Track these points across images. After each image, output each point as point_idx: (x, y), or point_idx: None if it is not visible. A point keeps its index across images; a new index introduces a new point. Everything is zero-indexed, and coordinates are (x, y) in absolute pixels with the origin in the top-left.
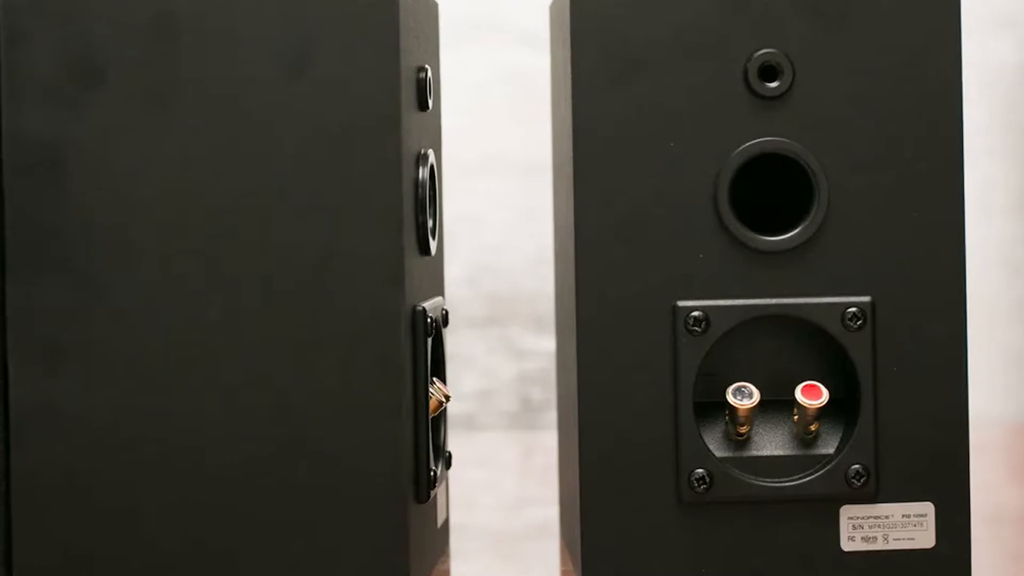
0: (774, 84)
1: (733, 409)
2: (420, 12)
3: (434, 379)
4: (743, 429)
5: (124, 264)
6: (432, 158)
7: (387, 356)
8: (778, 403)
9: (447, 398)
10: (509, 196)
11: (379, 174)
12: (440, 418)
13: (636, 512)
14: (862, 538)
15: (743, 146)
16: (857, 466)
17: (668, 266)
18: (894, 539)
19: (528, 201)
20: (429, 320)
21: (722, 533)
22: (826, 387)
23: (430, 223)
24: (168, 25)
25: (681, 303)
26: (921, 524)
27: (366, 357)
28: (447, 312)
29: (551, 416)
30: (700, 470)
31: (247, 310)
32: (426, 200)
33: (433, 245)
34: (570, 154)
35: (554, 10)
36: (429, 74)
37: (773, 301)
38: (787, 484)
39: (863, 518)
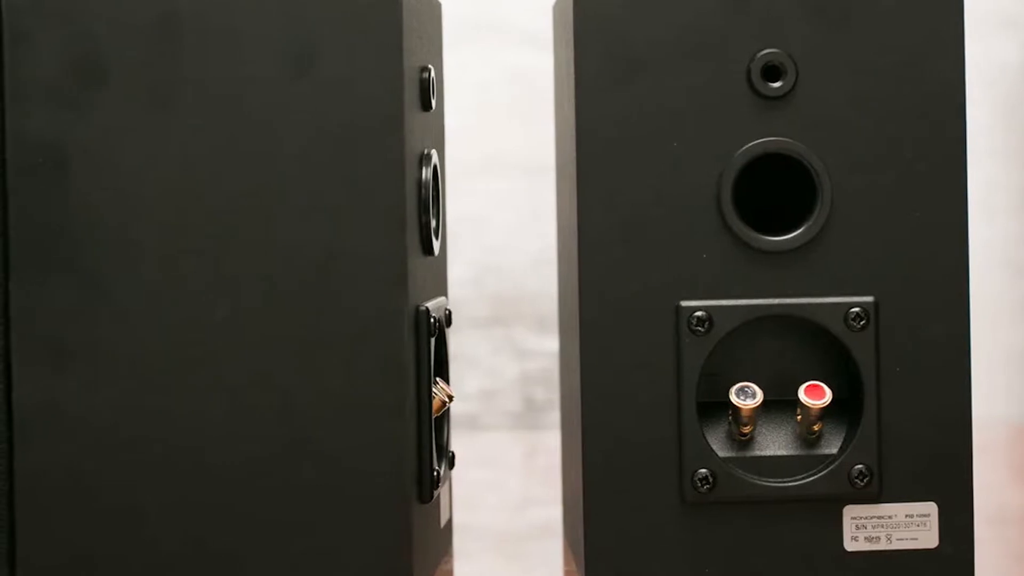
0: (777, 84)
1: (736, 409)
2: (423, 12)
3: (437, 379)
4: (746, 429)
5: (127, 264)
6: (435, 158)
7: (390, 356)
8: (781, 403)
9: (450, 398)
10: (512, 196)
11: (382, 174)
12: (443, 418)
13: (639, 512)
14: (865, 538)
15: (746, 146)
16: (860, 466)
17: (671, 266)
18: (897, 539)
19: (531, 201)
20: (432, 320)
21: (725, 533)
22: (829, 387)
23: (433, 223)
24: (171, 25)
25: (684, 303)
26: (924, 524)
27: (369, 357)
28: (450, 312)
29: (554, 416)
30: (703, 470)
31: (250, 310)
32: (429, 200)
33: (436, 245)
34: (573, 154)
35: (557, 10)
36: (432, 74)
37: (776, 301)
38: (790, 484)
39: (866, 518)
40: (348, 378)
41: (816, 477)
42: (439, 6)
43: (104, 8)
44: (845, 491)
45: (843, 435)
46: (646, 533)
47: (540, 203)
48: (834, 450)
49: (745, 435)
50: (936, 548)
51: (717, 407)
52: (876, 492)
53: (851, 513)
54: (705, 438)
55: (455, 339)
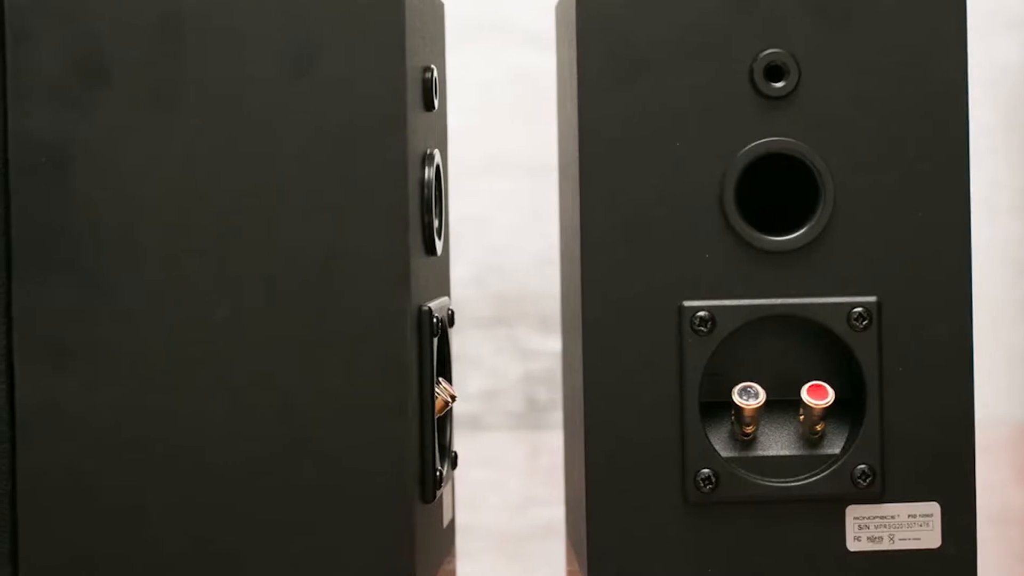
0: (780, 84)
1: (739, 409)
2: (426, 12)
3: (440, 379)
4: (749, 429)
5: (129, 264)
6: (438, 158)
7: (393, 356)
8: (784, 403)
9: (453, 398)
10: (515, 196)
11: (385, 174)
12: (446, 418)
13: (642, 512)
14: (868, 538)
15: (749, 146)
16: (863, 466)
17: (674, 266)
18: (900, 539)
19: (534, 201)
20: (435, 320)
21: (728, 533)
22: (832, 387)
23: (436, 223)
24: (173, 25)
25: (687, 303)
26: (927, 524)
27: (372, 357)
28: (453, 312)
29: (557, 416)
30: (706, 470)
31: (252, 310)
32: (432, 200)
33: (439, 245)
34: (576, 154)
35: (560, 10)
36: (435, 74)
37: (779, 301)
38: (793, 484)
39: (869, 518)
40: (350, 378)
41: (819, 477)
42: (442, 6)
43: (106, 8)
44: (848, 491)
45: (846, 435)
46: (649, 533)
47: (543, 203)
48: (837, 450)
49: (748, 435)
50: (939, 548)
51: (720, 407)
52: (879, 492)
53: (854, 513)
54: (708, 438)
55: (457, 339)
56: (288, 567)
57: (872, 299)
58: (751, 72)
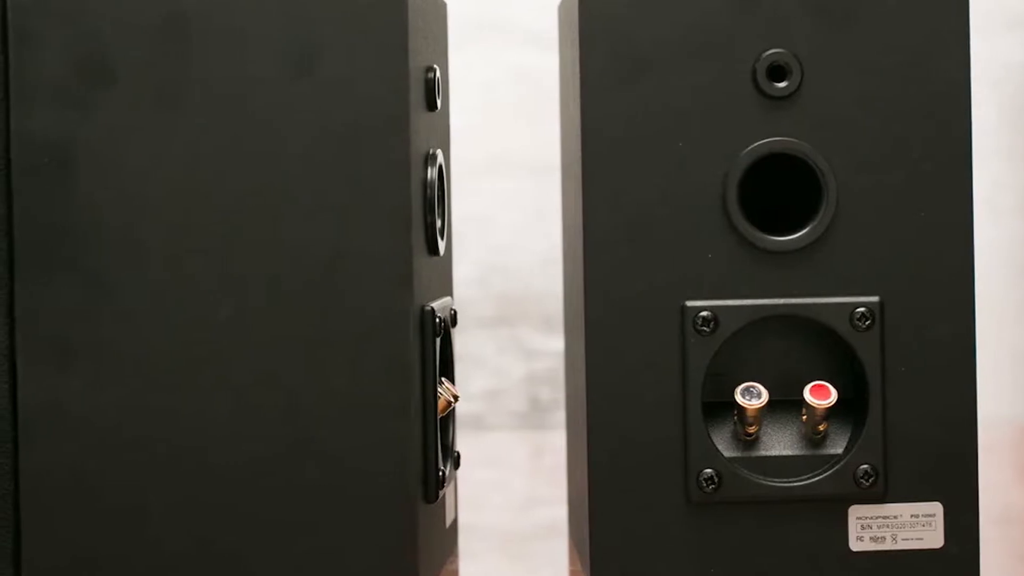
0: (782, 84)
1: (742, 409)
2: (428, 12)
3: (443, 379)
4: (752, 429)
5: (132, 264)
6: (441, 158)
7: (396, 356)
8: (787, 403)
9: (456, 398)
10: (517, 196)
11: (388, 174)
12: (449, 418)
13: (644, 512)
14: (870, 538)
15: (751, 146)
16: (866, 466)
17: (677, 266)
18: (902, 539)
19: (536, 201)
20: (438, 320)
21: (730, 533)
22: (834, 387)
23: (439, 223)
24: (176, 25)
25: (690, 303)
26: (930, 524)
27: (375, 357)
28: (456, 312)
29: (560, 416)
30: (708, 470)
31: (255, 310)
32: (435, 200)
33: (442, 245)
34: (579, 154)
35: (562, 10)
36: (437, 74)
37: (781, 301)
38: (795, 484)
39: (871, 518)
40: (353, 378)
41: (821, 477)
42: (444, 6)
43: (109, 8)
44: (850, 491)
45: (848, 435)
46: (651, 533)
47: (545, 203)
48: (839, 450)
49: (750, 435)
50: (941, 548)
51: (722, 407)
52: (881, 492)
53: (856, 513)
54: (710, 438)
55: (460, 339)
56: (291, 567)
57: (875, 299)
58: (754, 72)
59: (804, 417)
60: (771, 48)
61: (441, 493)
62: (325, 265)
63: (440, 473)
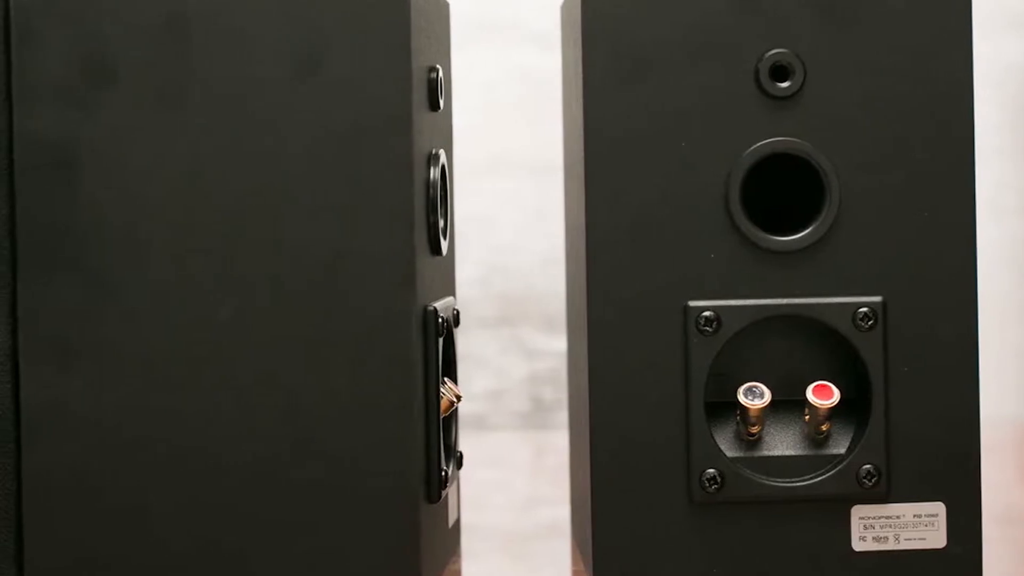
0: (785, 84)
1: (744, 409)
2: (431, 12)
3: (445, 379)
4: (754, 429)
5: (135, 263)
6: (443, 158)
7: (398, 356)
8: (789, 403)
9: (458, 398)
10: (520, 196)
11: (390, 174)
12: (451, 418)
13: (647, 512)
14: (873, 538)
15: (754, 146)
16: (868, 466)
17: (679, 266)
18: (905, 539)
19: (539, 201)
20: (440, 320)
21: (733, 533)
22: (837, 387)
23: (441, 223)
24: (179, 25)
25: (692, 303)
26: (932, 524)
27: (377, 357)
28: (458, 312)
29: (562, 416)
30: (711, 470)
31: (258, 310)
32: (437, 200)
33: (444, 245)
34: (581, 154)
35: (565, 10)
36: (440, 74)
37: (784, 301)
38: (798, 484)
39: (874, 518)
40: (356, 378)
41: (824, 477)
42: (447, 6)
43: (112, 8)
44: (853, 491)
45: (851, 435)
46: (654, 533)
47: (547, 203)
48: (842, 450)
49: (753, 435)
50: (944, 548)
51: (725, 407)
52: (884, 492)
53: (859, 513)
54: (713, 438)
55: (463, 339)
56: (293, 567)
57: (877, 299)
58: (756, 72)
59: (807, 417)
60: (774, 48)
61: (444, 493)
62: (328, 265)
63: (443, 473)
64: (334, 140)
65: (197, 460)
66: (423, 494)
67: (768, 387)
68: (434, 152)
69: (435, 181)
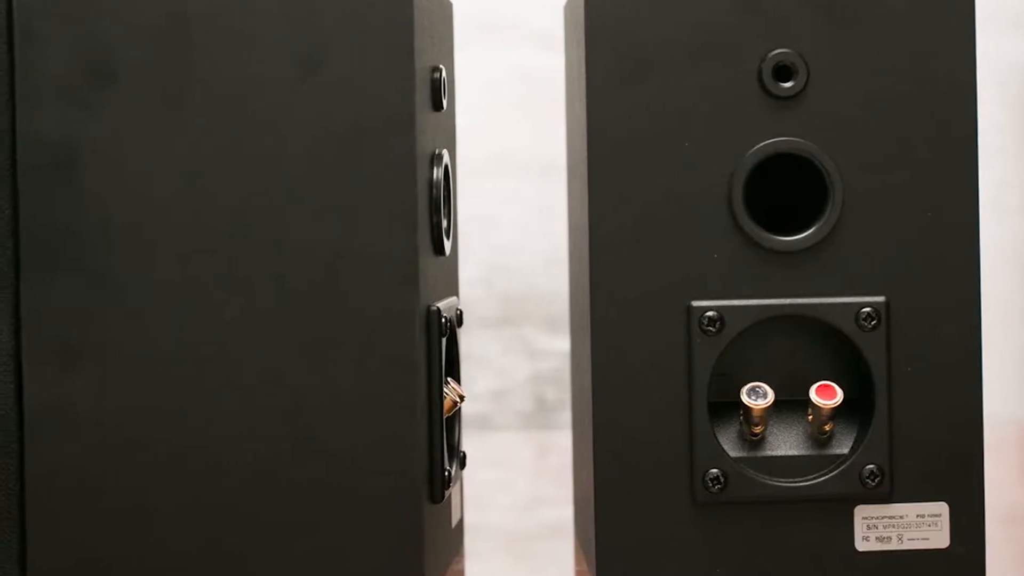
0: (788, 84)
1: (747, 409)
2: (434, 12)
3: (448, 379)
4: (757, 429)
5: (138, 263)
6: (447, 158)
7: (401, 356)
8: (792, 403)
9: (461, 398)
10: (523, 196)
11: (393, 174)
12: (454, 418)
13: (650, 512)
14: (876, 538)
15: (757, 146)
16: (871, 466)
17: (682, 266)
18: (908, 539)
19: (542, 201)
20: (443, 320)
21: (736, 533)
22: (840, 387)
23: (444, 223)
24: (181, 25)
25: (695, 303)
26: (935, 524)
27: (380, 357)
28: (461, 312)
29: (565, 416)
30: (714, 470)
31: (261, 310)
32: (440, 200)
33: (447, 245)
34: (584, 154)
35: (568, 10)
36: (443, 74)
37: (787, 301)
38: (801, 484)
39: (877, 518)
40: (359, 378)
41: (827, 477)
42: (450, 6)
43: (114, 8)
44: (856, 491)
45: (854, 435)
46: (657, 533)
47: (550, 203)
48: (845, 450)
49: (756, 435)
50: (947, 548)
51: (728, 407)
52: (887, 492)
53: (862, 513)
54: (716, 438)
55: (466, 339)
56: (296, 567)
57: (881, 299)
58: (759, 72)
59: (810, 417)
60: (777, 48)
61: (447, 493)
62: (330, 265)
63: (446, 473)
64: (336, 140)
65: (200, 460)
66: (426, 494)
67: (771, 387)
68: (437, 152)
69: (438, 181)
